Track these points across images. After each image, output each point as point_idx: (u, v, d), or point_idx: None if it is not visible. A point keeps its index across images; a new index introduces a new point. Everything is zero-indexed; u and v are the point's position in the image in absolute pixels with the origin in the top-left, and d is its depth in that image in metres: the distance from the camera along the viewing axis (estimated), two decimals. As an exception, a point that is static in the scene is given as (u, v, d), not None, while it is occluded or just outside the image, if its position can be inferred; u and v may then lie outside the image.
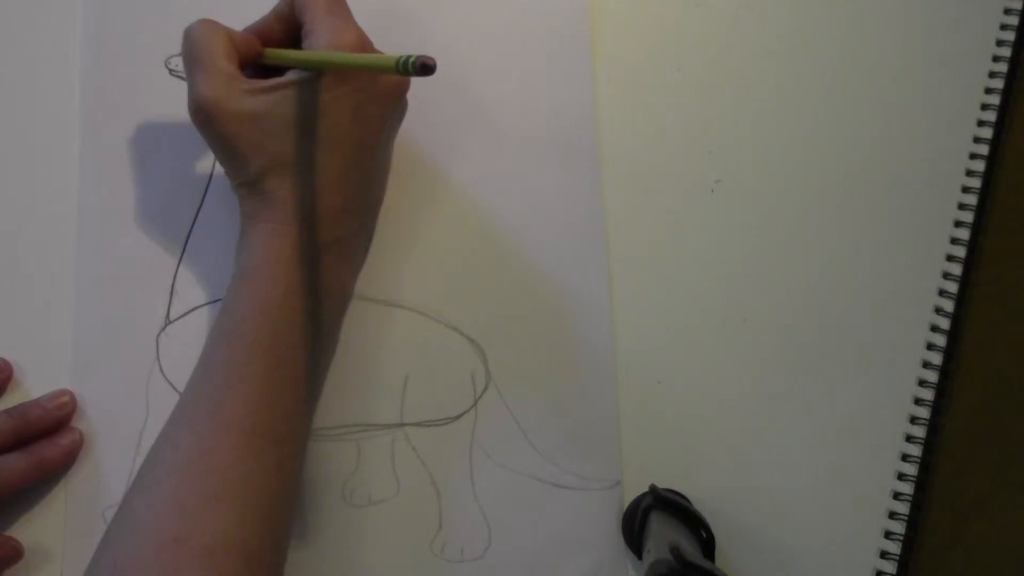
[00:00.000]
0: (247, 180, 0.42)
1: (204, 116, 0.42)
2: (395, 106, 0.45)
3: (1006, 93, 0.53)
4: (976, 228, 0.51)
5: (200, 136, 0.43)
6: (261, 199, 0.42)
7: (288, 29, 0.45)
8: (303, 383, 0.41)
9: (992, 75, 0.54)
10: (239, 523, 0.37)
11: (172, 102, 0.50)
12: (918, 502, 0.48)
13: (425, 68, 0.35)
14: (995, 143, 0.53)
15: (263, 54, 0.45)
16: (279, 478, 0.39)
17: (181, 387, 0.47)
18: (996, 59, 0.54)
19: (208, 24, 0.43)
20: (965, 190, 0.52)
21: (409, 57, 0.35)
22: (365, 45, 0.42)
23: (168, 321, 0.48)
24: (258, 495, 0.38)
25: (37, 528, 0.46)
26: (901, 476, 0.49)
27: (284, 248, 0.41)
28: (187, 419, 0.40)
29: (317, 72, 0.41)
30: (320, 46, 0.41)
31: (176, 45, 0.51)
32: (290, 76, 0.42)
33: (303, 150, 0.42)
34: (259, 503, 0.38)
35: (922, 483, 0.49)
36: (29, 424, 0.45)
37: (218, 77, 0.41)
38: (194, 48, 0.42)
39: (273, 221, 0.42)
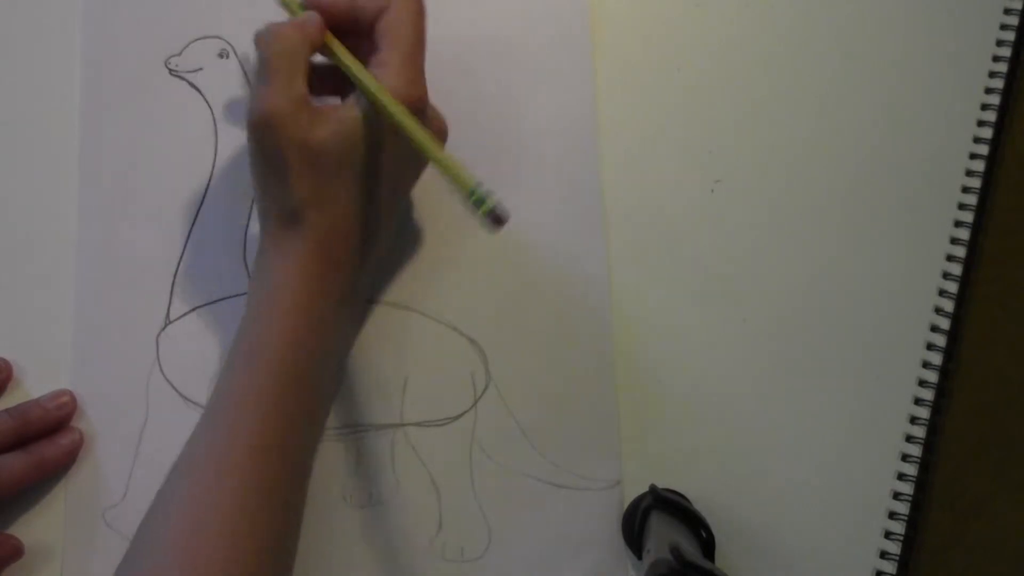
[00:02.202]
0: (286, 208, 0.41)
1: (265, 130, 0.40)
2: (426, 167, 0.45)
3: (1006, 93, 0.53)
4: (976, 228, 0.51)
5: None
6: (292, 230, 0.41)
7: (353, 26, 0.43)
8: (313, 426, 0.42)
9: (992, 75, 0.54)
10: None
11: (172, 102, 0.50)
12: (918, 502, 0.48)
13: (497, 220, 0.35)
14: (995, 143, 0.53)
15: (327, 45, 0.42)
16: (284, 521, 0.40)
17: (181, 387, 0.47)
18: (996, 59, 0.54)
19: (299, 31, 0.41)
20: (965, 190, 0.52)
21: (489, 194, 0.36)
22: (421, 105, 0.41)
23: (168, 321, 0.48)
24: (260, 548, 0.38)
25: (37, 528, 0.46)
26: (901, 476, 0.49)
27: (308, 284, 0.41)
28: (191, 470, 0.40)
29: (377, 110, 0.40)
30: (391, 86, 0.40)
31: (176, 45, 0.51)
32: (353, 108, 0.41)
33: (349, 189, 0.41)
34: (261, 547, 0.38)
35: (922, 483, 0.49)
36: (29, 424, 0.45)
37: (293, 94, 0.40)
38: (279, 56, 0.40)
39: (299, 255, 0.41)
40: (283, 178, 0.40)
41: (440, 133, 0.45)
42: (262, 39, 0.41)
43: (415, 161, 0.44)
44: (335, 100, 0.43)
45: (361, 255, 0.43)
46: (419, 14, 0.43)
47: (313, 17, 0.42)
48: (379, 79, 0.40)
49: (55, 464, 0.46)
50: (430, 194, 0.50)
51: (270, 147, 0.40)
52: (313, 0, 0.43)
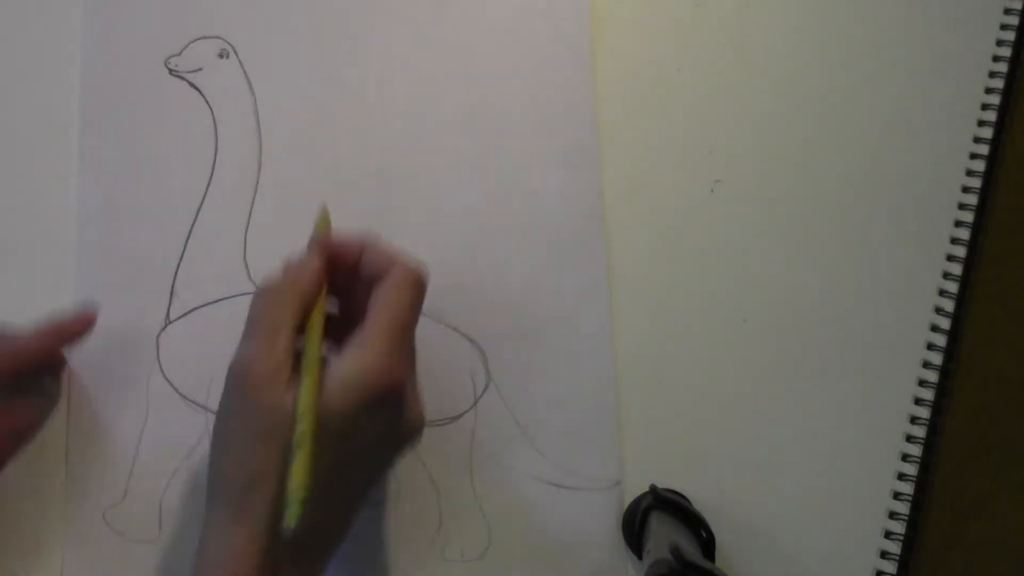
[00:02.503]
0: (241, 476, 0.37)
1: (237, 386, 0.37)
2: (412, 446, 0.42)
3: (1006, 93, 0.53)
4: (976, 228, 0.51)
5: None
6: (241, 509, 0.37)
7: (354, 281, 0.41)
8: None
9: (992, 75, 0.54)
10: None
11: (172, 102, 0.50)
12: (918, 502, 0.48)
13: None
14: (995, 143, 0.53)
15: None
16: None
17: (181, 387, 0.47)
18: (996, 59, 0.54)
19: (291, 289, 0.39)
20: (965, 190, 0.52)
21: (291, 506, 0.35)
22: (392, 391, 0.38)
23: (168, 321, 0.48)
24: None
25: (37, 528, 0.46)
26: (901, 476, 0.49)
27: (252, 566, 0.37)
28: None
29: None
30: (359, 367, 0.37)
31: (176, 45, 0.51)
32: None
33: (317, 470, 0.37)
34: None
35: (922, 483, 0.49)
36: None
37: (273, 356, 0.37)
38: (263, 316, 0.38)
39: (242, 547, 0.37)
40: (244, 441, 0.37)
41: (414, 427, 0.41)
42: (256, 294, 0.39)
43: (388, 458, 0.41)
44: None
45: (310, 561, 0.39)
46: (416, 290, 0.40)
47: (309, 272, 0.40)
48: (354, 357, 0.38)
49: (70, 332, 0.44)
50: (431, 194, 0.50)
51: (238, 404, 0.38)
52: (321, 243, 0.41)
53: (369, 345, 0.38)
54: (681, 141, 0.52)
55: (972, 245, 0.51)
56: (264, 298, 0.39)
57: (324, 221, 0.43)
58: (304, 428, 0.36)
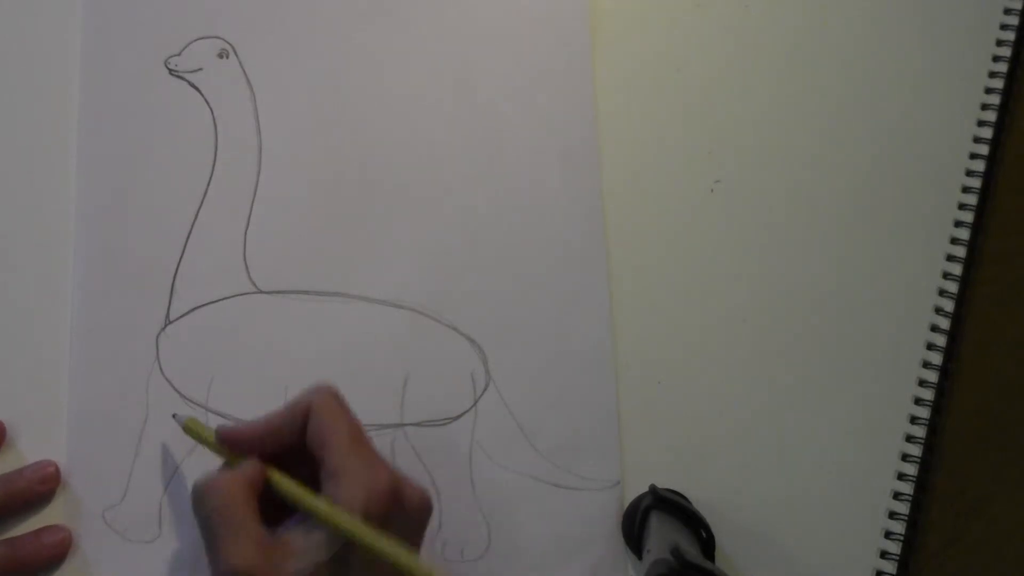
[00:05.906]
0: None
1: None
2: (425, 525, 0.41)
3: (1006, 93, 0.53)
4: (976, 228, 0.51)
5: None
6: None
7: (288, 450, 0.40)
8: None
9: (992, 75, 0.54)
10: None
11: (172, 102, 0.50)
12: (918, 502, 0.48)
13: None
14: (995, 143, 0.53)
15: (273, 482, 0.39)
16: None
17: (181, 387, 0.47)
18: (996, 59, 0.54)
19: (233, 480, 0.38)
20: (965, 190, 0.52)
21: None
22: (389, 496, 0.38)
23: (168, 321, 0.48)
24: None
25: (36, 528, 0.46)
26: (901, 476, 0.49)
27: None
28: None
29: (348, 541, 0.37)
30: (354, 495, 0.37)
31: (176, 45, 0.51)
32: (313, 535, 0.37)
33: None
34: None
35: (922, 483, 0.49)
36: (13, 496, 0.44)
37: (251, 546, 0.36)
38: (218, 512, 0.37)
39: None
40: None
41: (423, 509, 0.41)
42: (194, 499, 0.38)
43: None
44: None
45: None
46: (339, 407, 0.40)
47: (249, 462, 0.39)
48: (336, 492, 0.37)
49: (35, 562, 0.44)
50: (431, 193, 0.50)
51: None
52: (229, 435, 0.41)
53: (340, 478, 0.37)
54: (681, 141, 0.52)
55: (972, 245, 0.51)
56: (208, 498, 0.37)
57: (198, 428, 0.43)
58: (379, 541, 0.36)
